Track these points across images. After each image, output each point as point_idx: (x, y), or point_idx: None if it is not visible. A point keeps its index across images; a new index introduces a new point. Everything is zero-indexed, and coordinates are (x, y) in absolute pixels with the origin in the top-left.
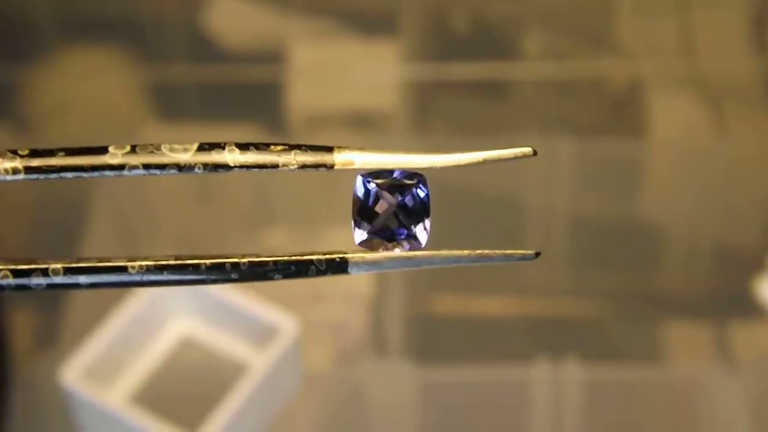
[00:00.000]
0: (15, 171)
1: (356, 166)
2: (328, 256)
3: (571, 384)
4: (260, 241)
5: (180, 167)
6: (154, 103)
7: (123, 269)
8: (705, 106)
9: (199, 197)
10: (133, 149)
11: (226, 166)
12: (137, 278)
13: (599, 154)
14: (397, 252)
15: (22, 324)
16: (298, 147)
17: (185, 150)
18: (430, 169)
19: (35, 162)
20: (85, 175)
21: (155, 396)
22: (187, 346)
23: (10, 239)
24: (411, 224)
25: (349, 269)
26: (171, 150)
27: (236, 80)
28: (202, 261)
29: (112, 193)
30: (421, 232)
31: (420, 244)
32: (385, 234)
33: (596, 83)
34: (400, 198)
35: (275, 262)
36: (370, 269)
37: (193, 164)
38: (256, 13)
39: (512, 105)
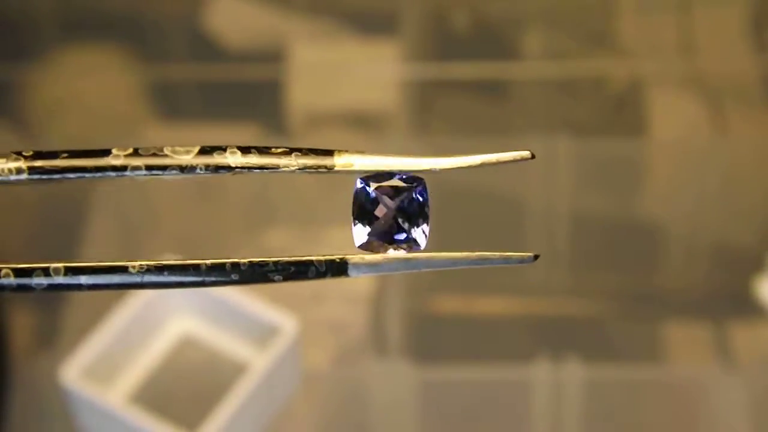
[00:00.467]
0: (19, 171)
1: (356, 168)
2: (328, 258)
3: (571, 383)
4: (260, 242)
5: (182, 168)
6: (154, 102)
7: (123, 269)
8: (705, 106)
9: (199, 197)
10: (136, 152)
11: (227, 168)
12: (137, 279)
13: (599, 153)
14: (396, 254)
15: (22, 323)
16: (299, 150)
17: (187, 152)
18: (429, 172)
19: (39, 163)
20: (87, 175)
21: (155, 395)
22: (187, 346)
23: (10, 239)
24: (410, 227)
25: (348, 271)
26: (173, 152)
27: (236, 79)
28: (203, 261)
29: (112, 193)
30: (420, 235)
31: (419, 247)
32: (384, 237)
33: (596, 83)
34: (399, 201)
35: (275, 263)
36: (370, 271)
37: (195, 165)
38: (256, 12)
39: (512, 104)
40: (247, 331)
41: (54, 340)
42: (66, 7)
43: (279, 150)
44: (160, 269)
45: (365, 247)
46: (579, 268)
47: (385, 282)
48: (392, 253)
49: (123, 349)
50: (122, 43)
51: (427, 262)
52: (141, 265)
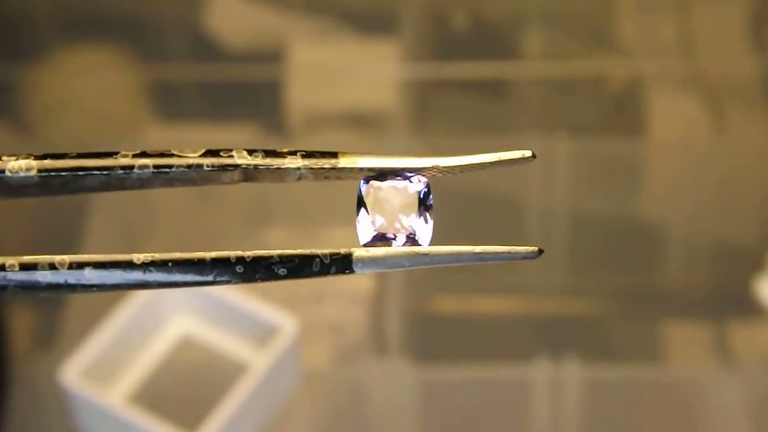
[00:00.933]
0: (28, 168)
1: (360, 165)
2: (332, 251)
3: (571, 383)
4: (260, 241)
5: (189, 166)
6: (154, 102)
7: (128, 262)
8: (705, 106)
9: (198, 198)
10: (143, 153)
11: (233, 166)
12: (141, 274)
13: (599, 153)
14: (401, 248)
15: (22, 323)
16: (304, 151)
17: (194, 152)
18: (432, 170)
19: (47, 161)
20: (96, 173)
21: (155, 396)
22: (186, 346)
23: (9, 239)
24: (414, 227)
25: (353, 265)
26: (180, 152)
27: (236, 79)
28: (207, 255)
29: (112, 194)
30: (424, 234)
31: (422, 245)
32: (388, 236)
33: (596, 82)
34: (403, 201)
35: (280, 256)
36: (374, 265)
37: (201, 164)
38: (255, 12)
39: (512, 104)
40: (246, 331)
41: (54, 340)
42: (66, 6)
43: (284, 151)
44: (164, 262)
45: (369, 246)
46: (578, 267)
47: (385, 282)
48: (397, 247)
49: (122, 349)
50: (122, 43)
51: (432, 257)
52: (146, 257)
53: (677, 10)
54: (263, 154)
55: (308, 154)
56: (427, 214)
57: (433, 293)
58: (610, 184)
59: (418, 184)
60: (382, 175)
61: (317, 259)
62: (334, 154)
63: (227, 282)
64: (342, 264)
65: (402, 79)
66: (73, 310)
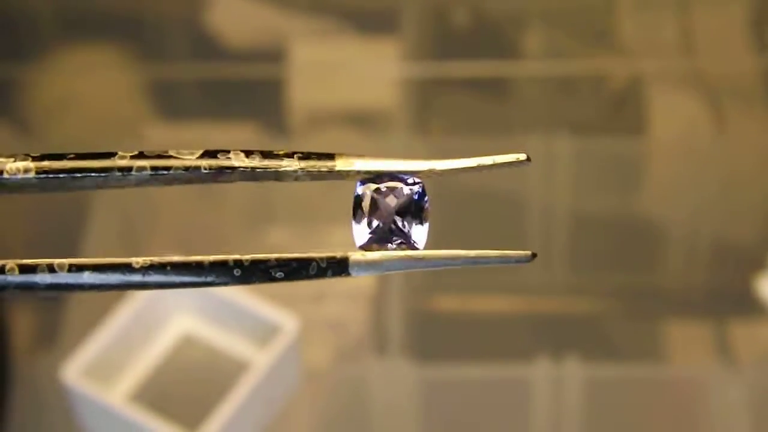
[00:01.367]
0: (26, 170)
1: (356, 168)
2: (329, 255)
3: (571, 382)
4: (261, 239)
5: (186, 168)
6: (155, 101)
7: (127, 265)
8: (705, 105)
9: (199, 196)
10: (141, 154)
11: (231, 168)
12: (140, 276)
13: (599, 152)
14: (396, 252)
15: (23, 322)
16: (301, 153)
17: (191, 154)
18: (428, 173)
19: (45, 163)
20: (93, 175)
21: (156, 394)
22: (187, 344)
23: (10, 238)
24: (410, 229)
25: (349, 268)
26: (178, 153)
27: (237, 78)
28: (205, 258)
29: (113, 191)
30: (419, 236)
31: (418, 248)
32: (384, 238)
33: (596, 81)
34: (399, 203)
35: (277, 260)
36: (371, 268)
37: (199, 166)
38: (256, 11)
39: (512, 103)
40: (247, 329)
41: (55, 338)
42: (66, 5)
43: (281, 153)
44: (163, 266)
45: (365, 248)
46: (579, 266)
47: (385, 281)
48: (392, 251)
49: (124, 347)
50: (122, 42)
51: (427, 261)
52: (144, 260)
53: (678, 9)
54: (260, 155)
55: (305, 156)
56: (423, 216)
57: (433, 292)
58: (611, 183)
59: (413, 187)
60: (379, 176)
61: (314, 263)
62: (331, 156)
63: (225, 284)
64: (338, 267)
65: (403, 77)
66: (75, 309)
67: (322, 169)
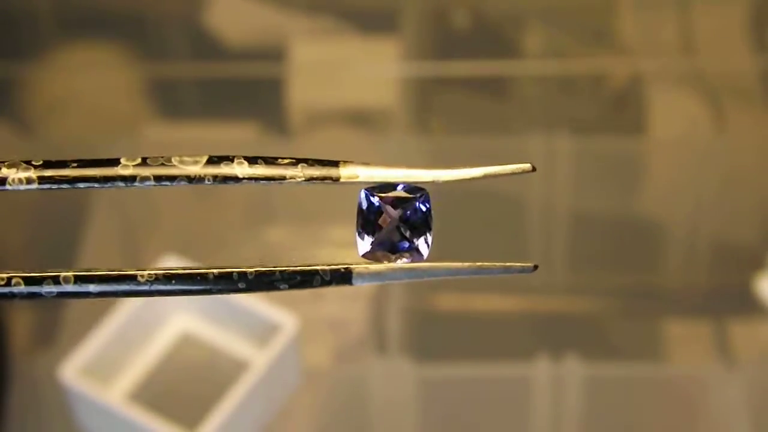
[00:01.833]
0: (29, 181)
1: (361, 179)
2: (333, 267)
3: (571, 381)
4: (262, 239)
5: (190, 179)
6: (155, 100)
7: (132, 278)
8: (705, 104)
9: (199, 196)
10: (144, 161)
11: (235, 178)
12: (146, 288)
13: (599, 151)
14: (400, 263)
15: (22, 321)
16: (305, 161)
17: (195, 162)
18: (433, 183)
19: (48, 172)
20: (97, 185)
21: (155, 393)
22: (186, 344)
23: (10, 238)
24: (413, 237)
25: (353, 280)
26: (181, 162)
27: (237, 77)
28: (210, 270)
29: (113, 192)
30: (423, 245)
31: (422, 256)
32: (388, 247)
33: (596, 81)
34: (402, 211)
35: (282, 272)
36: (374, 280)
37: (203, 176)
38: (256, 10)
39: (512, 102)
40: (247, 328)
41: (53, 337)
42: (65, 4)
43: (285, 161)
44: (168, 278)
45: (369, 256)
46: (579, 265)
47: None
48: (395, 262)
49: (122, 347)
50: (122, 41)
51: (430, 272)
52: (150, 274)
53: (677, 8)
54: (264, 163)
55: (309, 165)
56: (427, 225)
57: (433, 291)
58: (611, 182)
59: (417, 196)
60: (383, 184)
61: (318, 276)
62: (335, 164)
63: (228, 293)
64: (342, 279)
65: (403, 77)
66: (73, 308)
67: (326, 181)
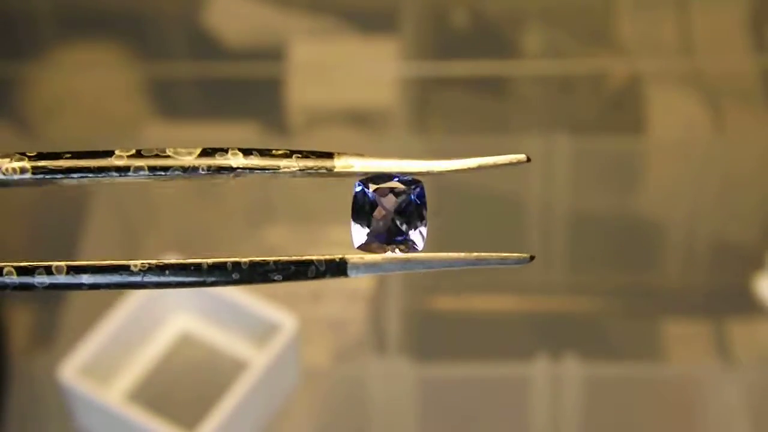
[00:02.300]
0: (23, 170)
1: (355, 170)
2: (327, 257)
3: (570, 381)
4: (259, 239)
5: (185, 169)
6: (154, 99)
7: (125, 268)
8: (704, 104)
9: (198, 194)
10: (138, 153)
11: (229, 169)
12: (139, 279)
13: (598, 151)
14: (395, 254)
15: (21, 321)
16: (299, 152)
17: (189, 153)
18: (427, 174)
19: (42, 162)
20: (90, 176)
21: (154, 393)
22: (186, 344)
23: (9, 237)
24: (408, 229)
25: (348, 271)
26: (175, 153)
27: (236, 77)
28: (204, 261)
29: (112, 189)
30: (418, 236)
31: (417, 248)
32: (383, 238)
33: (595, 81)
34: (397, 203)
35: (275, 263)
36: (369, 271)
37: (197, 166)
38: (255, 10)
39: (512, 102)
40: (246, 328)
41: (53, 337)
42: (65, 4)
43: (279, 152)
44: (161, 268)
45: (364, 248)
46: (578, 265)
47: (384, 280)
48: (390, 253)
49: (122, 347)
50: (121, 41)
51: (425, 263)
52: (143, 264)
53: (676, 8)
54: (259, 154)
55: (304, 156)
56: (422, 216)
57: (432, 291)
58: (610, 182)
59: (413, 187)
60: (378, 176)
61: (312, 266)
62: (329, 155)
63: (223, 285)
64: (337, 270)
65: (402, 77)
66: (73, 308)
67: (321, 171)
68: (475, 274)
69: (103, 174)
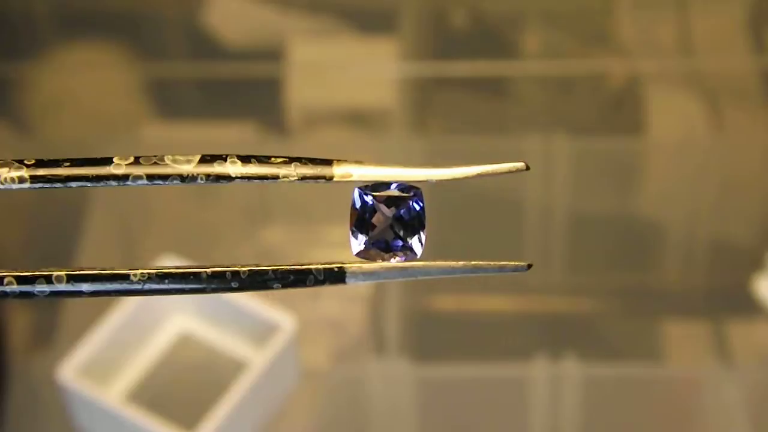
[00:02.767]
0: (21, 180)
1: (354, 178)
2: (326, 266)
3: (569, 381)
4: (258, 239)
5: (183, 178)
6: (152, 99)
7: (125, 277)
8: (704, 105)
9: (196, 196)
10: (137, 160)
11: (228, 177)
12: (138, 287)
13: (598, 152)
14: (393, 262)
15: (20, 321)
16: (298, 159)
17: (188, 161)
18: (426, 181)
19: (41, 171)
20: (89, 184)
21: (153, 393)
22: (185, 344)
23: (8, 239)
24: (407, 236)
25: (346, 279)
26: (174, 161)
27: (235, 77)
28: (203, 270)
29: (110, 191)
30: (416, 244)
31: (416, 255)
32: (381, 245)
33: (595, 81)
34: (396, 210)
35: (275, 271)
36: (367, 279)
37: (195, 175)
38: (254, 10)
39: (511, 103)
40: (245, 329)
41: (52, 338)
42: (64, 4)
43: (279, 160)
44: (161, 277)
45: (362, 255)
46: (577, 266)
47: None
48: (389, 261)
49: (120, 347)
50: (120, 41)
51: (424, 271)
52: (143, 273)
53: (676, 9)
54: (257, 162)
55: (302, 164)
56: (420, 224)
57: (431, 291)
58: (609, 183)
59: (410, 195)
60: (377, 184)
61: (311, 275)
62: (328, 162)
63: (223, 292)
64: (335, 278)
65: (401, 77)
66: (72, 308)
67: (319, 179)
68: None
69: (102, 183)
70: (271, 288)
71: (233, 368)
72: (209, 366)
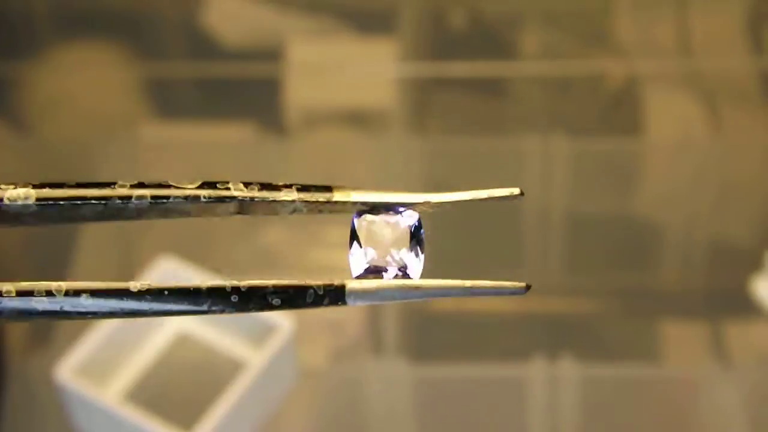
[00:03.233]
0: (26, 197)
1: (353, 200)
2: (326, 283)
3: (567, 382)
4: (257, 240)
5: (186, 197)
6: (151, 99)
7: (125, 290)
8: (702, 105)
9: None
10: (140, 183)
11: (230, 197)
12: (137, 305)
13: (596, 152)
14: (393, 281)
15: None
16: (301, 187)
17: (190, 184)
18: (424, 205)
19: (46, 190)
20: (93, 202)
21: (151, 393)
22: (182, 344)
23: (6, 242)
24: (406, 260)
25: (346, 297)
26: (177, 183)
27: (233, 77)
28: (202, 284)
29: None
30: (415, 267)
31: (415, 276)
32: (380, 269)
33: (593, 82)
34: (395, 235)
35: (274, 286)
36: (367, 299)
37: (198, 195)
38: (253, 10)
39: (509, 103)
40: (243, 329)
41: (49, 337)
42: (62, 3)
43: (280, 185)
44: (160, 291)
45: (362, 278)
46: (575, 266)
47: None
48: (389, 280)
49: (118, 346)
50: (119, 40)
51: (423, 291)
52: (142, 285)
53: (675, 9)
54: (259, 186)
55: (303, 188)
56: (419, 247)
57: None
58: (608, 183)
59: (409, 219)
60: (375, 208)
61: (311, 291)
62: (328, 188)
63: (221, 311)
64: (335, 296)
65: (400, 77)
66: None
67: (320, 200)
68: (472, 275)
69: (106, 202)
70: (271, 304)
71: (231, 368)
72: (207, 366)
